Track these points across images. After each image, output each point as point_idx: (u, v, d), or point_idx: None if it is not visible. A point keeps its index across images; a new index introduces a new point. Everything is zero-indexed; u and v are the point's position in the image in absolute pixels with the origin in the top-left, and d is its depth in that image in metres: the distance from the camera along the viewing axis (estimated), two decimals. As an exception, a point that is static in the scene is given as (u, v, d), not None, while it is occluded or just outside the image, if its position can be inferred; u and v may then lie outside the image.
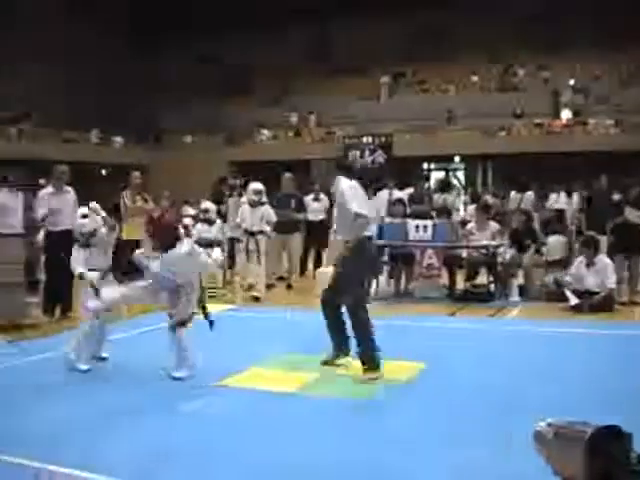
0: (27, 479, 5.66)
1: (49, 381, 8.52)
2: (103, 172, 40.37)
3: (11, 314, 12.07)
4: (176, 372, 8.40)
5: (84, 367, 8.90)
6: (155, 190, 20.58)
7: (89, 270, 9.12)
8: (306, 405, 7.46)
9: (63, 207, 12.83)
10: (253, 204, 15.18)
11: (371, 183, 20.64)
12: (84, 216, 9.35)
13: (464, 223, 17.37)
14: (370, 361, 8.59)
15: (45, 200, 12.75)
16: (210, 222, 15.55)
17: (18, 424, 6.84)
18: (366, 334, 8.66)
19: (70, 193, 13.11)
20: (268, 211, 15.23)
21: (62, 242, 12.80)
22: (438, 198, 20.55)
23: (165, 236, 8.62)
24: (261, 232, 15.08)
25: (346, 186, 8.98)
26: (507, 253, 15.09)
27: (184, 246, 8.67)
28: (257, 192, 15.25)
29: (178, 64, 47.53)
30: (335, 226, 9.55)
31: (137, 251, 9.19)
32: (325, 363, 9.17)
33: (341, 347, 9.16)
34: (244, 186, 16.85)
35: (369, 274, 9.27)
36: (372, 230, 9.06)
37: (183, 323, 8.44)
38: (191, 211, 21.57)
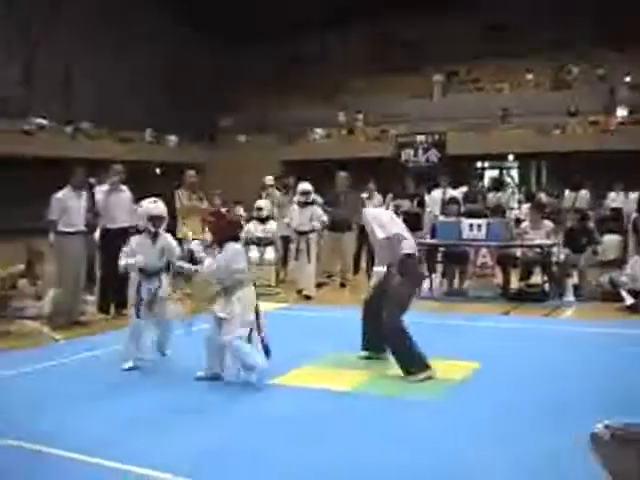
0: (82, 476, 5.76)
1: (100, 379, 8.64)
2: (157, 171, 40.65)
3: (71, 312, 12.16)
4: (250, 377, 8.24)
5: (125, 365, 9.00)
6: (209, 189, 20.69)
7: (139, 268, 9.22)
8: (360, 404, 7.49)
9: (119, 205, 13.01)
10: (300, 204, 15.28)
11: (425, 182, 20.66)
12: (154, 201, 9.41)
13: (518, 222, 17.28)
14: (410, 366, 8.61)
15: (101, 197, 12.93)
16: (263, 220, 15.65)
17: (71, 423, 6.94)
18: (400, 346, 8.72)
19: (125, 192, 13.26)
20: (317, 211, 15.29)
21: (118, 239, 12.97)
22: (492, 197, 20.46)
23: (228, 230, 8.61)
24: (311, 231, 15.15)
25: (370, 217, 9.16)
26: (562, 253, 14.99)
27: (240, 243, 8.68)
28: (304, 193, 15.37)
29: (233, 64, 47.75)
30: (377, 259, 9.56)
31: (194, 242, 9.28)
32: (366, 357, 9.42)
33: (369, 345, 9.43)
34: (294, 186, 16.91)
35: (412, 294, 9.26)
36: (409, 247, 9.06)
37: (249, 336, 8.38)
38: (242, 211, 21.64)
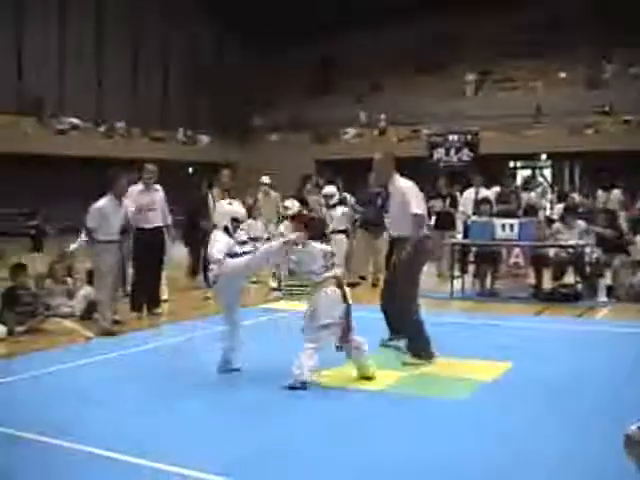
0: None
1: (135, 379, 8.70)
2: (190, 170, 40.77)
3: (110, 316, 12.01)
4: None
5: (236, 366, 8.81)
6: (241, 188, 20.67)
7: None
8: (393, 403, 7.51)
9: (152, 205, 13.02)
10: (325, 206, 15.31)
11: (457, 182, 20.60)
12: (229, 204, 9.20)
13: (551, 221, 17.19)
14: (419, 354, 9.14)
15: (134, 197, 12.84)
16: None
17: (109, 423, 6.96)
18: (416, 333, 9.20)
19: (159, 191, 13.28)
20: (344, 211, 15.31)
21: (151, 239, 13.02)
22: (524, 197, 20.38)
23: (308, 229, 8.58)
24: (339, 232, 15.17)
25: (405, 189, 9.43)
26: (594, 253, 14.90)
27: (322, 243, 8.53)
28: (327, 196, 15.41)
29: (266, 64, 47.85)
30: (391, 223, 9.78)
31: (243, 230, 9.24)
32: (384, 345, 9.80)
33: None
34: (324, 186, 16.90)
35: (421, 270, 9.64)
36: (428, 228, 9.67)
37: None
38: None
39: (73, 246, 14.06)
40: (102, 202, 11.70)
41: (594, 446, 6.03)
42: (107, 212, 11.59)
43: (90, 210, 11.68)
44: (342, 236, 15.25)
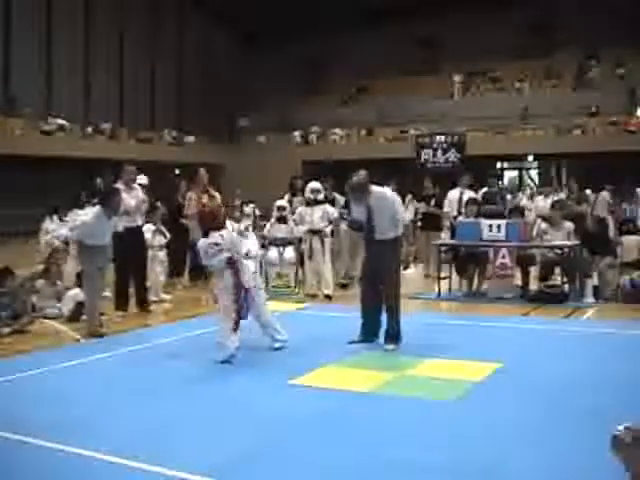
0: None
1: (122, 379, 8.68)
2: (176, 171, 40.71)
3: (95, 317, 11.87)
4: None
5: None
6: (229, 189, 20.67)
7: None
8: (379, 405, 7.46)
9: (132, 205, 13.03)
10: (310, 202, 15.15)
11: (443, 183, 20.58)
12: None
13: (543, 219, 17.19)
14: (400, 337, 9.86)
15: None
16: (285, 221, 15.45)
17: (95, 424, 6.94)
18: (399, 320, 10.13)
19: (138, 192, 13.37)
20: (328, 209, 15.20)
21: (133, 238, 13.03)
22: (512, 198, 20.40)
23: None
24: (325, 229, 15.08)
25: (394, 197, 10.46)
26: (582, 253, 14.88)
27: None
28: (313, 191, 15.25)
29: (253, 65, 47.83)
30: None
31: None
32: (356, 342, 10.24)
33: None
34: (302, 188, 16.77)
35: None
36: None
37: None
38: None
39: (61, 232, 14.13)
40: (92, 217, 11.46)
41: (584, 446, 6.02)
42: (96, 226, 11.37)
43: (78, 223, 11.67)
44: (327, 232, 15.09)
